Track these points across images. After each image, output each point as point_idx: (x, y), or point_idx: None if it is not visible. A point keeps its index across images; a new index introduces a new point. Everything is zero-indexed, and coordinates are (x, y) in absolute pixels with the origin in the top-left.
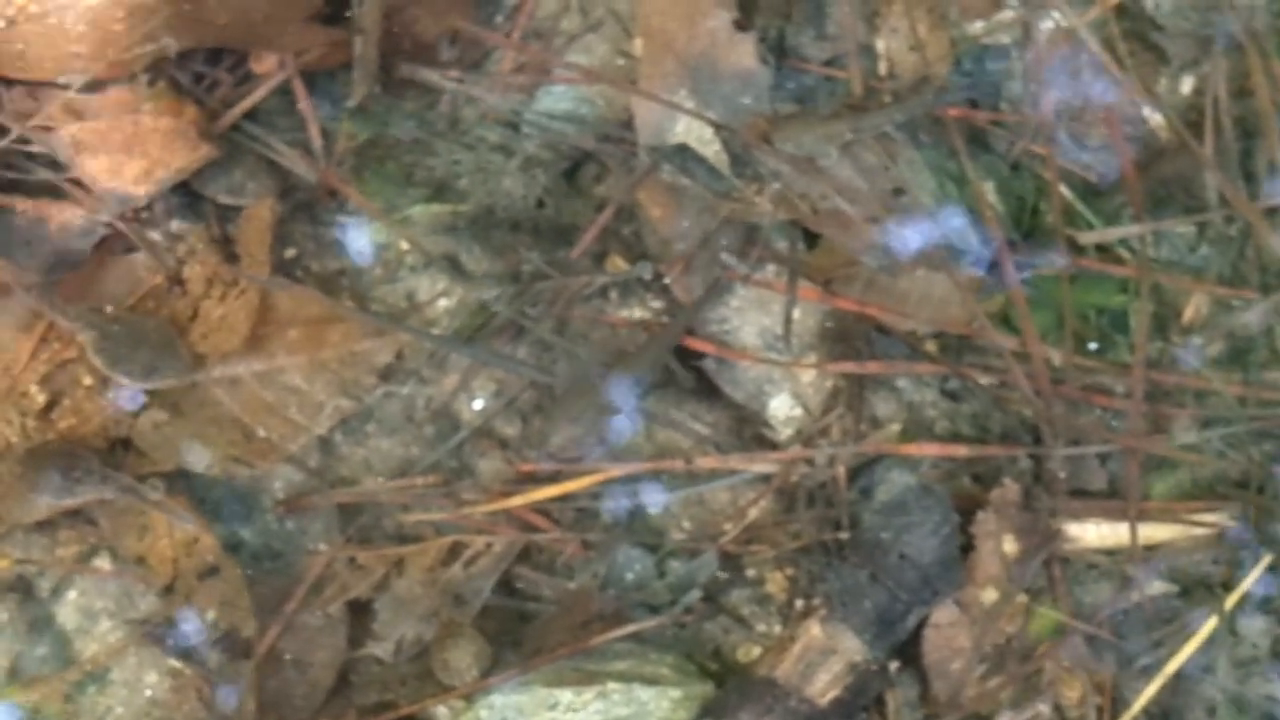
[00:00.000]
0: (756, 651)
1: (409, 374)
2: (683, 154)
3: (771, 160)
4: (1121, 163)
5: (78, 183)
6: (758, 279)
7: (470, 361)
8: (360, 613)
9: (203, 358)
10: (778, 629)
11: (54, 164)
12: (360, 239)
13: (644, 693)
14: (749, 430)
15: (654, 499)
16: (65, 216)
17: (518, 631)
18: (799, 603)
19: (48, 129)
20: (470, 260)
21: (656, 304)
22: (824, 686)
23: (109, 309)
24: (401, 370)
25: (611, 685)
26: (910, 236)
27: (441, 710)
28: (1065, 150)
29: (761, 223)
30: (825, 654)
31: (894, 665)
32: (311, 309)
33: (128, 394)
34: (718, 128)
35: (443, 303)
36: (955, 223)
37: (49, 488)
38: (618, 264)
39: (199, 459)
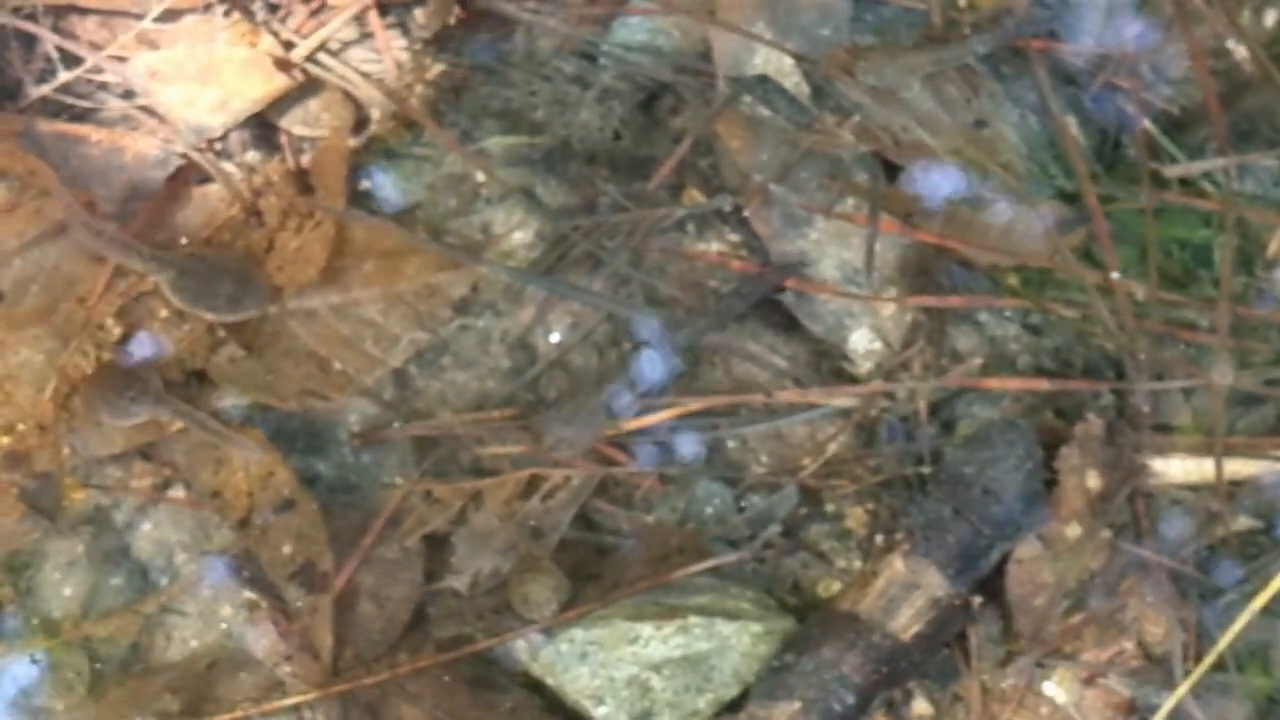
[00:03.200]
0: (836, 587)
1: (485, 307)
2: (764, 85)
3: (853, 92)
4: (1205, 96)
5: (152, 113)
6: (838, 212)
7: (547, 294)
8: (437, 546)
9: (278, 290)
10: (857, 564)
11: (127, 94)
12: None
13: (725, 627)
14: (827, 364)
15: (731, 433)
16: (140, 147)
17: (596, 566)
18: (879, 538)
19: (122, 59)
20: (546, 193)
21: (734, 237)
22: (907, 621)
23: (184, 243)
24: (477, 303)
25: (693, 619)
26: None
27: (520, 644)
28: (1148, 83)
29: (842, 155)
30: (908, 589)
31: (977, 601)
32: (387, 241)
33: None
34: (797, 59)
35: (518, 235)
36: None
37: (106, 408)
38: (694, 196)
39: (274, 392)
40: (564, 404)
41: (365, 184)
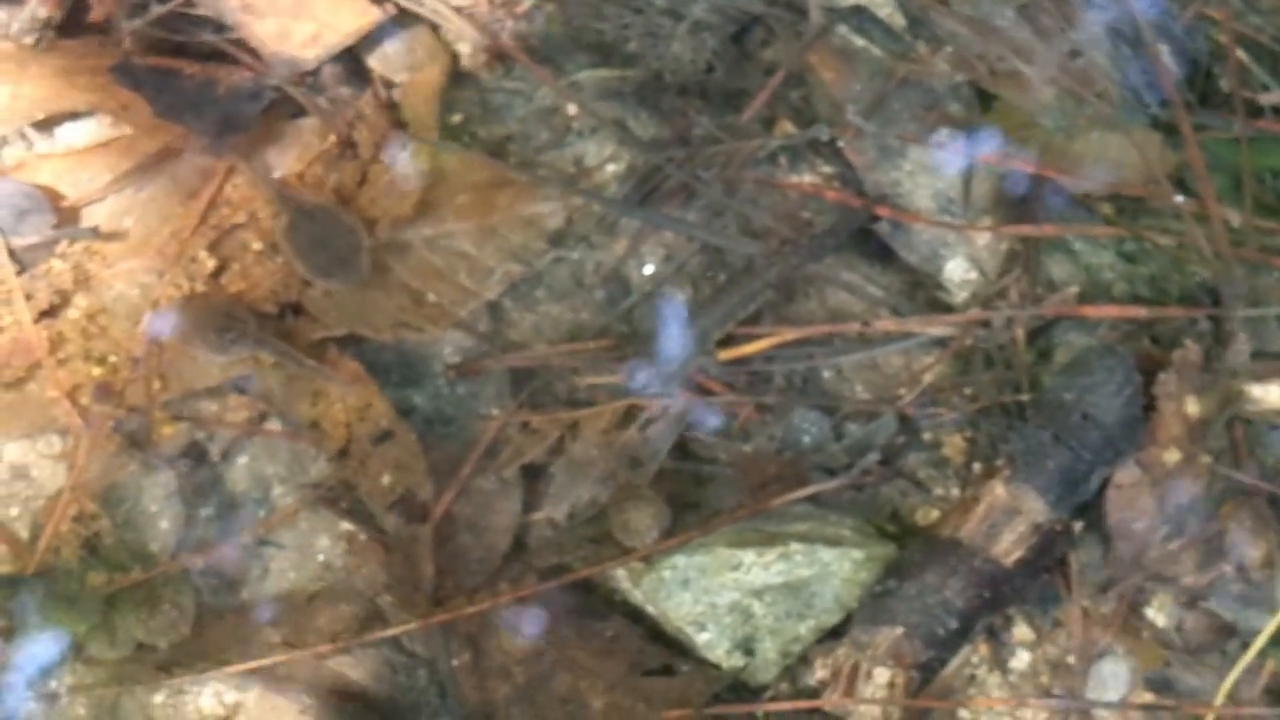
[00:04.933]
0: (934, 514)
1: (578, 239)
2: (859, 15)
3: (948, 21)
4: None
5: (244, 46)
6: (933, 141)
7: (641, 226)
8: (534, 477)
9: (372, 223)
10: (955, 492)
11: (219, 27)
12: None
13: (826, 553)
14: (922, 294)
15: (827, 363)
16: (233, 80)
17: (694, 494)
18: (977, 465)
19: None
20: (638, 125)
21: (827, 168)
22: (1009, 547)
23: (308, 197)
24: (571, 235)
25: (794, 546)
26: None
27: (620, 572)
28: (1239, 12)
29: (935, 85)
30: (1009, 514)
31: (1077, 526)
32: (480, 174)
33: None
34: None
35: (611, 168)
36: None
37: (204, 343)
38: (786, 128)
39: (369, 324)
40: (639, 341)
41: (456, 117)
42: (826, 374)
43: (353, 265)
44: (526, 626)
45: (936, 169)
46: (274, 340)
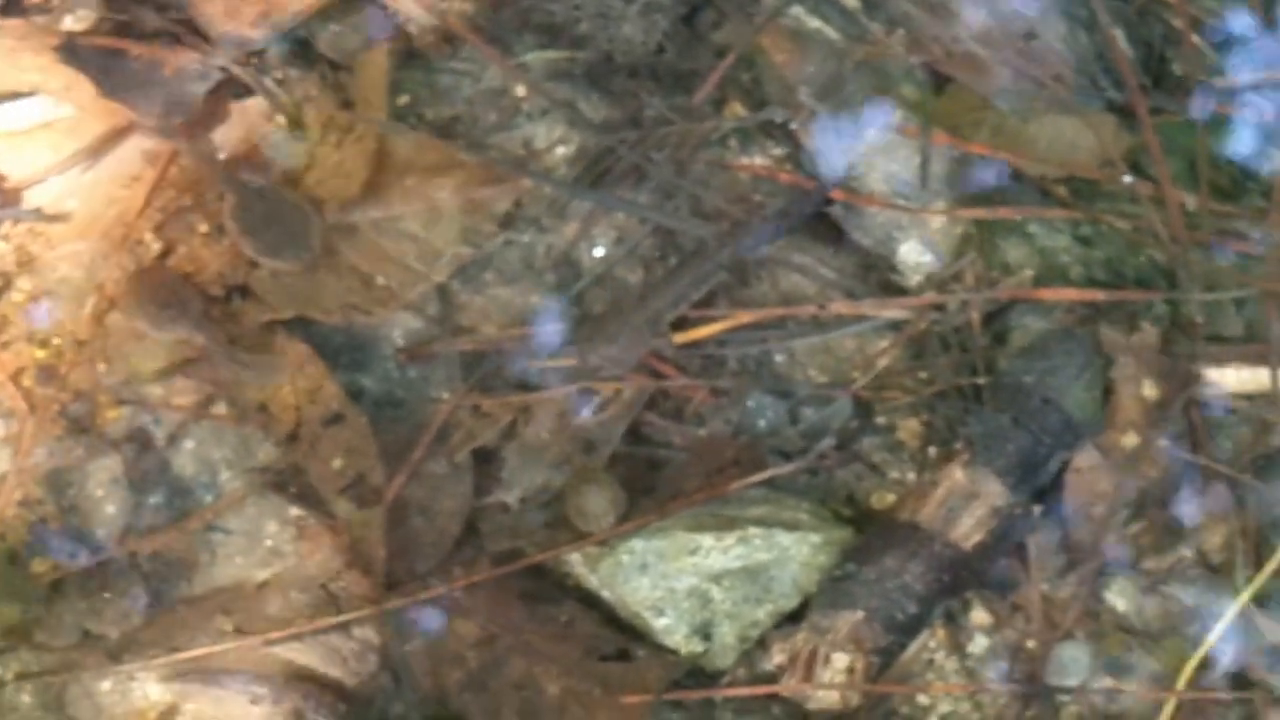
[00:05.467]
0: (890, 498)
1: (529, 222)
2: None
3: (903, 3)
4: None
5: (190, 26)
6: (886, 124)
7: (591, 209)
8: (486, 461)
9: (319, 203)
10: (911, 476)
11: (162, 6)
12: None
13: (785, 537)
14: (875, 276)
15: (780, 347)
16: (180, 61)
17: (649, 479)
18: (933, 449)
19: None
20: (588, 107)
21: (778, 151)
22: (968, 530)
23: (255, 180)
24: (521, 218)
25: (752, 530)
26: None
27: (575, 557)
28: None
29: (890, 67)
30: (968, 498)
31: (1036, 510)
32: (429, 156)
33: None
34: None
35: (561, 150)
36: None
37: (145, 317)
38: (736, 110)
39: (317, 306)
40: (608, 321)
41: (404, 99)
42: (779, 358)
43: (303, 244)
44: (479, 611)
45: (890, 151)
46: (212, 328)
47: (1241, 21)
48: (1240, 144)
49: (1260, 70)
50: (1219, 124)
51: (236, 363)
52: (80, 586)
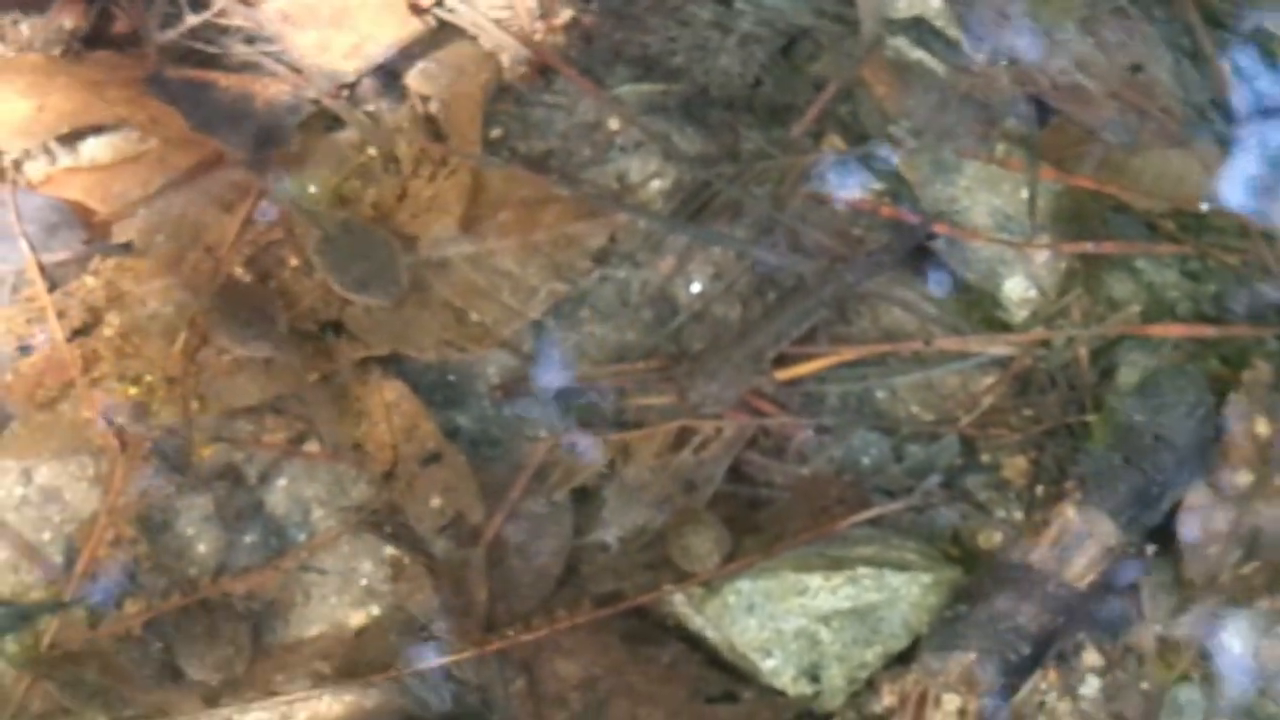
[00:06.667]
0: (996, 537)
1: (624, 257)
2: (919, 27)
3: (1008, 34)
4: None
5: (279, 58)
6: (991, 157)
7: (687, 244)
8: (586, 501)
9: (413, 239)
10: (1018, 514)
11: (251, 38)
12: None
13: (895, 578)
14: (978, 313)
15: (881, 384)
16: (271, 93)
17: (751, 519)
18: (1040, 488)
19: (250, 3)
20: (683, 140)
21: (878, 185)
22: (1081, 570)
23: (340, 212)
24: (616, 254)
25: (861, 570)
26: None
27: (678, 598)
28: None
29: (991, 100)
30: (1080, 537)
31: (1149, 549)
32: (523, 190)
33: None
34: (948, 1)
35: (655, 184)
36: None
37: (227, 332)
38: (834, 143)
39: (411, 343)
40: (708, 358)
41: (497, 132)
42: (881, 395)
43: (390, 279)
44: (581, 652)
45: (993, 185)
46: (292, 353)
47: None
48: None
49: None
50: None
51: (307, 398)
52: (187, 633)
